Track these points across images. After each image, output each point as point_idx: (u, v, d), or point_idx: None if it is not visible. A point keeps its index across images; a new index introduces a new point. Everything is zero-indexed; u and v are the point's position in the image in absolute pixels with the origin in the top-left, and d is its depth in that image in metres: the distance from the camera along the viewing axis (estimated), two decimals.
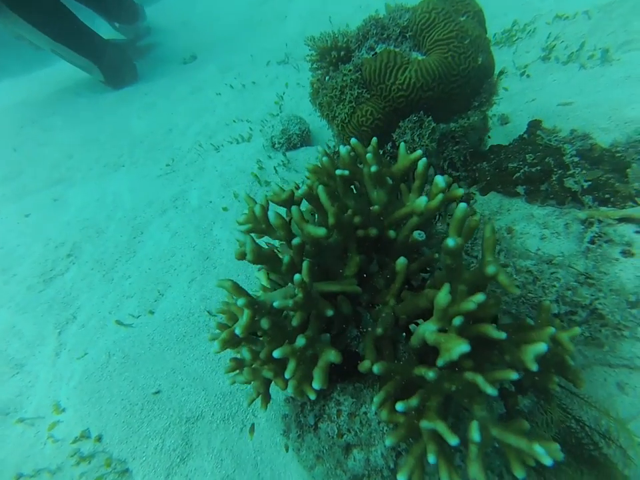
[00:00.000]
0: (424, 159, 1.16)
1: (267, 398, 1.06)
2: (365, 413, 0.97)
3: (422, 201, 1.07)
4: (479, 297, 0.83)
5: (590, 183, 1.55)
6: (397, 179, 1.27)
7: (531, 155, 1.71)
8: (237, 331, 0.90)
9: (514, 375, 0.79)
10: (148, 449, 1.58)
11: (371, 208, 1.16)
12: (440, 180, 1.07)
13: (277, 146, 3.07)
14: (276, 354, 0.88)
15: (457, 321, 0.82)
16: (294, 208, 1.02)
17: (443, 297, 0.84)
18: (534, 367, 0.79)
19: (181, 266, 2.38)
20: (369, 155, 1.16)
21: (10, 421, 1.82)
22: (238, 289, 0.95)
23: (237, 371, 1.08)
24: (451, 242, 0.87)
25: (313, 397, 0.88)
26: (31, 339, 2.18)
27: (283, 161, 2.95)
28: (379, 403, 0.84)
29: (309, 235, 1.00)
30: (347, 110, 1.68)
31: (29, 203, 3.36)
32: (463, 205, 0.93)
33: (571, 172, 1.59)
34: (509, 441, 0.77)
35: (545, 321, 0.96)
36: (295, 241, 0.99)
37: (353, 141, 1.24)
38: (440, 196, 1.06)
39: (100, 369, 1.79)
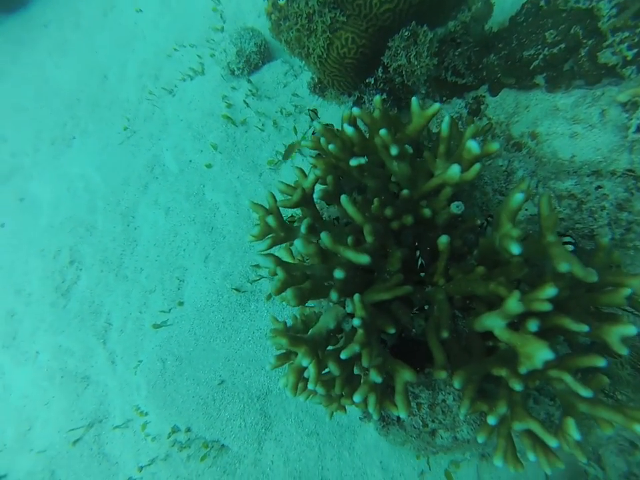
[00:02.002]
0: (447, 118, 0.96)
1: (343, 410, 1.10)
2: (444, 401, 1.02)
3: (455, 171, 0.92)
4: (550, 291, 0.76)
5: (636, 50, 1.28)
6: (414, 141, 1.09)
7: (551, 31, 1.41)
8: (310, 386, 0.88)
9: (601, 362, 0.77)
10: (233, 428, 1.76)
11: (400, 193, 1.01)
12: (474, 146, 0.90)
13: (236, 72, 2.62)
14: (357, 399, 0.88)
15: (533, 326, 0.77)
16: (324, 234, 0.88)
17: (514, 305, 0.78)
18: (624, 351, 0.77)
19: (189, 244, 2.28)
20: (382, 132, 0.96)
21: (108, 428, 2.01)
22: (295, 340, 0.90)
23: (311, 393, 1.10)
24: (515, 249, 0.76)
25: (403, 415, 0.90)
26: (81, 353, 2.25)
27: (250, 90, 2.56)
28: (466, 413, 0.86)
29: (349, 262, 0.89)
30: (321, 43, 1.36)
31: None
32: (519, 196, 0.79)
33: (608, 41, 1.32)
34: (601, 415, 0.80)
35: (608, 267, 0.91)
36: (338, 275, 0.89)
37: (356, 110, 1.03)
38: (477, 166, 0.90)
39: (160, 376, 1.88)
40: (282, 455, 1.72)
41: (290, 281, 0.98)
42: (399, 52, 1.34)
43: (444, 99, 1.62)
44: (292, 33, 1.37)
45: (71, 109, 3.37)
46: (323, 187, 1.09)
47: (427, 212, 1.02)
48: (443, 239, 0.98)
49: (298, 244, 0.88)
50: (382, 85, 1.50)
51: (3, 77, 3.87)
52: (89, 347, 2.25)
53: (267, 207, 1.11)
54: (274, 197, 1.13)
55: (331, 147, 1.01)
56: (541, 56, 1.42)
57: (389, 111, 1.15)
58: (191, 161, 2.55)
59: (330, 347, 1.00)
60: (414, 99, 1.00)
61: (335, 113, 2.18)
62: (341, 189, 1.07)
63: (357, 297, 0.87)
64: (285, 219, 1.09)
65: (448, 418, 1.00)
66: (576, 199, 1.17)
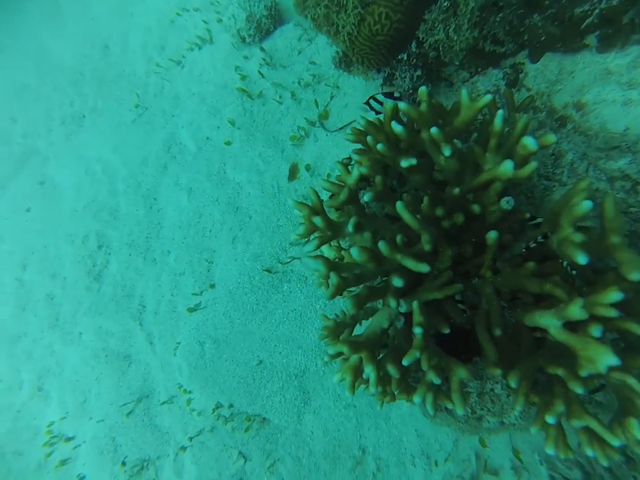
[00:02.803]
0: (500, 112, 0.91)
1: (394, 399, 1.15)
2: (492, 390, 1.06)
3: (508, 167, 0.88)
4: (615, 296, 0.76)
5: None
6: (461, 134, 1.04)
7: None
8: (371, 389, 0.91)
9: None
10: (274, 403, 1.87)
11: (452, 191, 0.99)
12: (531, 142, 0.86)
13: (248, 40, 2.48)
14: (417, 399, 0.91)
15: (596, 331, 0.77)
16: (381, 243, 0.87)
17: (576, 312, 0.78)
18: None
19: (215, 225, 2.29)
20: (434, 131, 0.92)
21: (155, 403, 2.15)
22: (355, 346, 0.92)
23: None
24: (581, 258, 0.75)
25: (460, 412, 0.94)
26: (120, 334, 2.36)
27: (264, 59, 2.43)
28: (521, 409, 0.90)
29: (408, 270, 0.89)
30: (352, 20, 1.26)
31: (17, 193, 3.11)
32: (587, 204, 0.76)
33: None
34: None
35: None
36: (397, 283, 0.88)
37: (402, 105, 0.97)
38: (533, 164, 0.87)
39: (200, 358, 1.97)
40: (321, 426, 1.83)
41: (343, 285, 0.99)
42: (436, 25, 1.24)
43: (479, 69, 1.52)
44: (320, 9, 1.27)
45: (76, 85, 3.26)
46: (370, 188, 1.06)
47: (476, 208, 0.99)
48: (492, 235, 0.96)
49: (354, 253, 0.88)
50: (415, 60, 1.41)
51: (1, 51, 3.73)
52: (127, 329, 2.34)
53: (312, 205, 1.10)
54: (317, 194, 1.11)
55: (379, 146, 0.97)
56: (596, 11, 1.30)
57: (433, 100, 1.09)
58: (208, 138, 2.48)
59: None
60: (464, 90, 0.94)
61: (359, 85, 2.07)
62: (389, 187, 1.05)
63: (415, 304, 0.88)
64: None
65: (496, 406, 1.04)
66: (630, 180, 1.12)
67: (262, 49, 2.44)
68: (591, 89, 1.38)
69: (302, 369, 1.85)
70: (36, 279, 2.75)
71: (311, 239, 1.08)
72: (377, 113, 1.38)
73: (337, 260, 1.32)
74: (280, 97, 2.36)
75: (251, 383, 1.89)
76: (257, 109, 2.39)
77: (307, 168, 2.10)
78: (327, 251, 1.30)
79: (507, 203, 0.96)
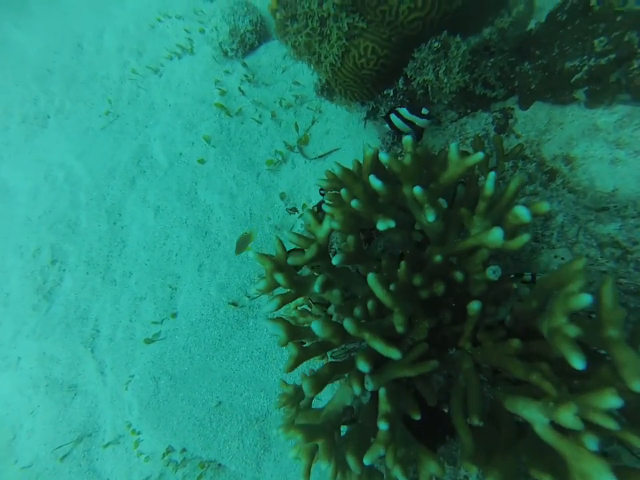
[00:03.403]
0: (492, 175, 0.82)
1: None
2: (467, 478, 0.95)
3: (497, 235, 0.78)
4: (612, 401, 0.66)
5: None
6: (448, 191, 0.95)
7: (602, 38, 1.23)
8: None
9: None
10: (231, 449, 1.71)
11: (433, 258, 0.88)
12: (524, 213, 0.76)
13: (230, 54, 2.36)
14: None
15: (592, 444, 0.66)
16: (347, 322, 0.75)
17: (569, 419, 0.67)
18: None
19: (181, 249, 2.13)
20: (417, 191, 0.82)
21: (98, 442, 1.94)
22: (311, 433, 0.79)
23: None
24: (577, 362, 0.65)
25: None
26: (67, 361, 2.15)
27: (246, 75, 2.32)
28: None
29: (382, 353, 0.77)
30: (335, 51, 1.16)
31: None
32: (586, 298, 0.67)
33: None
34: None
35: None
36: (363, 368, 0.77)
37: (384, 157, 0.87)
38: (524, 237, 0.77)
39: (154, 396, 1.79)
40: (281, 476, 1.68)
41: (304, 357, 0.87)
42: (425, 65, 1.15)
43: (468, 111, 1.45)
44: (301, 37, 1.16)
45: (42, 82, 3.05)
46: (341, 249, 0.95)
47: (459, 276, 0.90)
48: (474, 306, 0.86)
49: (315, 327, 0.76)
50: (401, 97, 1.32)
51: None
52: (76, 355, 2.14)
53: (275, 258, 0.98)
54: (283, 246, 0.99)
55: (354, 203, 0.86)
56: (585, 67, 1.25)
57: (419, 148, 0.99)
58: (181, 154, 2.34)
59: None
60: (453, 145, 0.85)
61: (343, 112, 1.98)
62: (363, 250, 0.94)
63: (382, 392, 0.76)
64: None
65: None
66: (620, 247, 1.06)
67: (244, 65, 2.33)
68: (579, 143, 1.33)
69: (263, 413, 1.70)
70: None
71: (272, 295, 0.96)
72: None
73: (300, 319, 1.20)
74: (260, 116, 2.25)
75: (207, 426, 1.73)
76: (235, 127, 2.27)
77: (282, 197, 1.99)
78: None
79: (493, 272, 0.86)
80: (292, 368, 0.85)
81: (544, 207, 0.80)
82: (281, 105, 2.23)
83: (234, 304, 1.88)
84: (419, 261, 1.00)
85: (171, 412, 1.74)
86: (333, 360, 0.89)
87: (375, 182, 0.88)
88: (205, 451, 1.73)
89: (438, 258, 0.90)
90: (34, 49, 3.24)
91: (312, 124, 2.14)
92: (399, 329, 0.77)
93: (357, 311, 1.01)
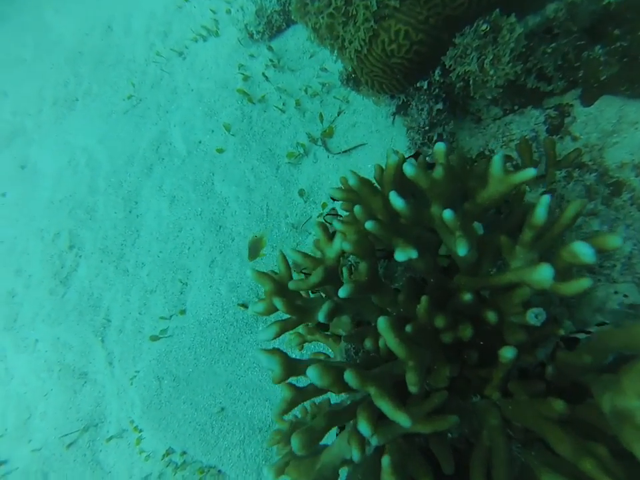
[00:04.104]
0: (546, 199, 0.64)
1: None
2: None
3: (545, 275, 0.60)
4: None
5: None
6: (486, 212, 0.78)
7: None
8: None
9: None
10: (232, 456, 1.62)
11: (462, 297, 0.72)
12: (586, 253, 0.58)
13: (255, 37, 2.21)
14: None
15: None
16: (348, 374, 0.61)
17: None
18: None
19: (194, 243, 2.04)
20: (447, 215, 0.66)
21: (103, 434, 1.92)
22: None
23: None
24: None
25: None
26: (79, 348, 2.13)
27: (271, 60, 2.17)
28: None
29: (388, 417, 0.63)
30: (362, 35, 0.99)
31: None
32: None
33: None
34: None
35: None
36: (365, 432, 0.63)
37: (409, 171, 0.71)
38: (584, 282, 0.59)
39: (156, 396, 1.73)
40: None
41: (299, 399, 0.74)
42: (468, 53, 0.97)
43: (516, 107, 1.24)
44: (322, 18, 1.00)
45: (73, 64, 3.03)
46: (351, 279, 0.80)
47: (491, 317, 0.73)
48: (508, 354, 0.70)
49: (311, 374, 0.62)
50: (437, 90, 1.14)
51: (2, 20, 3.51)
52: (87, 343, 2.12)
53: (276, 278, 0.85)
54: (287, 264, 0.86)
55: (369, 225, 0.70)
56: None
57: (453, 156, 0.82)
58: (200, 142, 2.24)
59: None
60: (497, 157, 0.68)
61: (371, 107, 1.80)
62: (378, 279, 0.78)
63: (386, 461, 0.62)
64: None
65: None
66: None
67: (270, 48, 2.18)
68: None
69: (267, 424, 1.60)
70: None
71: (271, 322, 0.83)
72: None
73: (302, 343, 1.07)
74: (283, 104, 2.10)
75: (209, 432, 1.65)
76: (257, 116, 2.13)
77: (301, 193, 1.84)
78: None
79: (535, 317, 0.69)
80: (284, 413, 0.72)
81: (613, 241, 0.62)
82: (307, 93, 2.07)
83: (244, 305, 1.78)
84: (444, 290, 0.84)
85: (173, 414, 1.68)
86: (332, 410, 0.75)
87: (397, 201, 0.72)
88: (205, 456, 1.66)
89: (467, 297, 0.74)
90: (69, 32, 3.23)
91: (338, 115, 1.97)
92: (412, 388, 0.62)
93: (368, 343, 0.86)
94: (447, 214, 0.66)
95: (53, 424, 2.03)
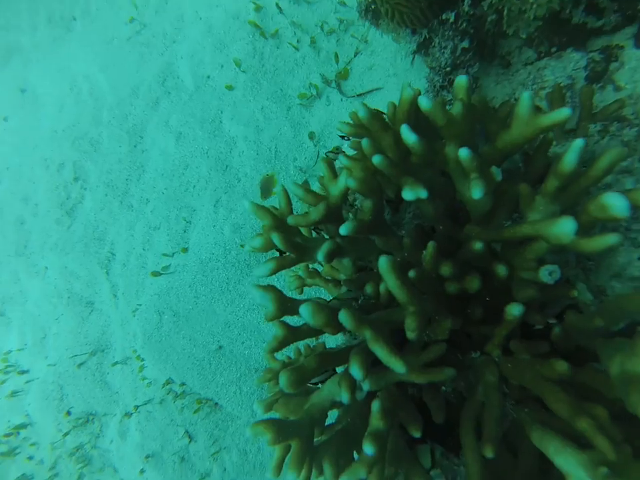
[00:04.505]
0: (579, 143, 0.58)
1: None
2: None
3: (566, 228, 0.56)
4: None
5: None
6: (504, 159, 0.72)
7: None
8: None
9: None
10: (228, 392, 1.70)
11: (472, 246, 0.69)
12: (619, 204, 0.53)
13: None
14: None
15: None
16: (343, 314, 0.59)
17: None
18: None
19: (199, 182, 2.00)
20: (464, 154, 0.60)
21: (109, 359, 2.02)
22: (285, 432, 0.68)
23: None
24: None
25: None
26: (86, 278, 2.18)
27: None
28: None
29: (382, 361, 0.62)
30: None
31: None
32: None
33: None
34: None
35: None
36: (365, 387, 0.62)
37: (425, 105, 0.64)
38: (611, 238, 0.54)
39: (156, 329, 1.78)
40: None
41: (291, 338, 0.74)
42: None
43: (553, 50, 1.13)
44: None
45: None
46: (354, 217, 0.76)
47: (501, 271, 0.70)
48: (514, 311, 0.68)
49: (304, 312, 0.61)
50: (465, 25, 1.03)
51: None
52: (93, 274, 2.16)
53: (276, 213, 0.81)
54: (288, 199, 0.83)
55: (376, 159, 0.65)
56: None
57: (475, 96, 0.75)
58: (209, 77, 2.12)
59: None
60: (525, 95, 0.61)
61: (390, 47, 1.66)
62: (382, 219, 0.74)
63: (376, 406, 0.62)
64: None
65: None
66: None
67: None
68: None
69: (264, 365, 1.66)
70: (7, 198, 2.55)
71: (267, 258, 0.81)
72: None
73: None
74: (297, 41, 1.95)
75: (206, 367, 1.72)
76: (269, 52, 1.99)
77: (311, 136, 1.76)
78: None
79: (549, 274, 0.66)
80: (275, 350, 0.72)
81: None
82: (322, 30, 1.92)
83: (244, 247, 1.77)
84: (452, 240, 0.81)
85: (172, 347, 1.74)
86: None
87: (409, 135, 0.66)
88: (202, 390, 1.74)
89: (478, 246, 0.70)
90: None
91: (354, 56, 1.84)
92: (410, 334, 0.60)
93: (369, 288, 0.85)
94: (464, 152, 0.61)
95: (64, 345, 2.14)
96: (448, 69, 1.11)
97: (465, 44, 1.06)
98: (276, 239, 0.75)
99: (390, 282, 0.59)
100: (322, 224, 0.78)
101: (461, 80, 0.68)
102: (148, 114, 2.20)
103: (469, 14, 1.00)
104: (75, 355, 2.04)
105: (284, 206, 0.83)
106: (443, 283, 0.73)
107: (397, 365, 0.55)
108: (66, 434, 1.97)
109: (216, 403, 1.76)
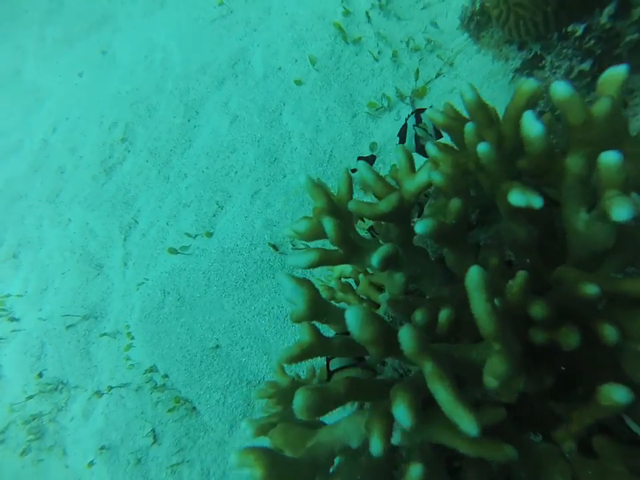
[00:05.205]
0: None
1: None
2: None
3: None
4: None
5: None
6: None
7: None
8: None
9: None
10: (211, 399, 1.52)
11: (580, 289, 0.51)
12: None
13: None
14: None
15: None
16: (404, 333, 0.42)
17: None
18: None
19: (243, 168, 1.90)
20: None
21: (99, 329, 1.89)
22: (280, 474, 0.50)
23: None
24: None
25: None
26: (102, 239, 2.10)
27: (380, 0, 1.93)
28: None
29: (445, 412, 0.44)
30: None
31: (80, 53, 2.87)
32: None
33: None
34: None
35: None
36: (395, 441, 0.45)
37: (562, 90, 0.49)
38: None
39: (156, 309, 1.65)
40: None
41: (317, 351, 0.57)
42: None
43: None
44: None
45: None
46: (434, 213, 0.60)
47: (610, 334, 0.50)
48: (618, 395, 0.47)
49: (350, 318, 0.44)
50: (592, 42, 0.87)
51: None
52: (111, 237, 2.07)
53: (333, 196, 0.67)
54: (350, 185, 0.68)
55: (483, 148, 0.50)
56: None
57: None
58: (280, 68, 2.06)
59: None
60: None
61: (481, 71, 1.54)
62: (466, 228, 0.58)
63: (416, 470, 0.43)
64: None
65: None
66: None
67: None
68: None
69: (258, 379, 1.47)
70: (57, 147, 2.55)
71: (309, 247, 0.66)
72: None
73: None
74: (379, 52, 1.87)
75: (196, 364, 1.55)
76: (347, 56, 1.92)
77: (372, 147, 1.64)
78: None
79: None
80: (292, 361, 0.56)
81: None
82: (407, 46, 1.82)
83: (274, 247, 1.63)
84: (539, 279, 0.63)
85: (167, 333, 1.59)
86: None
87: (533, 124, 0.50)
88: (184, 388, 1.57)
89: (591, 290, 0.51)
90: None
91: (435, 77, 1.72)
92: (491, 382, 0.42)
93: (419, 316, 0.67)
94: (611, 156, 0.44)
95: (61, 302, 2.03)
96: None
97: (585, 66, 0.91)
98: (328, 225, 0.59)
99: (477, 303, 0.41)
100: (389, 219, 0.62)
101: (617, 71, 0.52)
102: (210, 91, 2.16)
103: (601, 28, 0.86)
104: (67, 315, 1.92)
105: (344, 191, 0.68)
106: (527, 328, 0.54)
107: (465, 421, 0.37)
108: (30, 397, 1.82)
109: (194, 407, 1.57)
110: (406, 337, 0.40)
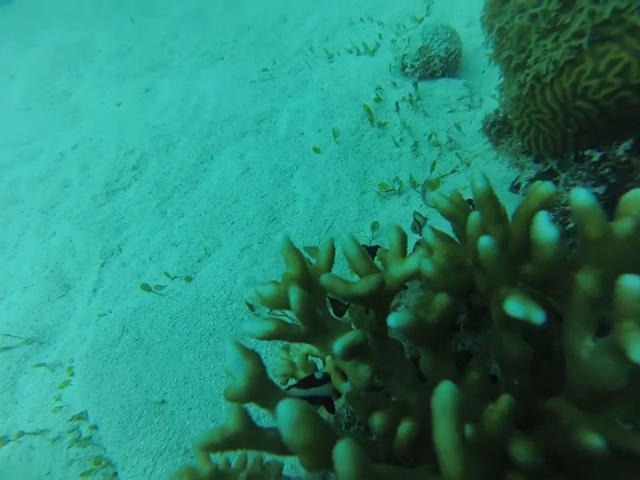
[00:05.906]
0: None
1: None
2: None
3: None
4: None
5: None
6: None
7: None
8: None
9: None
10: (138, 466, 1.29)
11: (580, 439, 0.40)
12: None
13: (408, 70, 2.11)
14: None
15: None
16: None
17: None
18: None
19: (240, 220, 1.86)
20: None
21: (40, 357, 1.69)
22: None
23: None
24: None
25: None
26: (80, 260, 1.99)
27: (411, 95, 2.03)
28: None
29: None
30: (559, 54, 0.75)
31: (127, 88, 3.04)
32: None
33: None
34: None
35: None
36: None
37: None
38: None
39: (109, 346, 1.48)
40: None
41: (242, 441, 0.45)
42: None
43: None
44: (520, 18, 0.78)
45: (237, 34, 3.22)
46: (410, 307, 0.52)
47: None
48: None
49: (283, 411, 0.33)
50: (607, 170, 0.85)
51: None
52: (89, 260, 1.96)
53: (308, 265, 0.59)
54: (331, 253, 0.60)
55: (485, 242, 0.42)
56: None
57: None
58: (302, 133, 2.12)
59: None
60: None
61: (495, 175, 1.54)
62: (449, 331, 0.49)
63: None
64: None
65: None
66: None
67: (415, 85, 2.05)
68: None
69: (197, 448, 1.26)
70: (71, 161, 2.56)
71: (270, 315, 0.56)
72: None
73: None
74: (401, 140, 1.92)
75: (133, 419, 1.34)
76: (369, 137, 1.97)
77: (374, 226, 1.59)
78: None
79: None
80: (212, 448, 0.44)
81: None
82: (429, 140, 1.88)
83: (251, 307, 1.51)
84: (527, 409, 0.51)
85: (111, 376, 1.40)
86: None
87: (547, 228, 0.43)
88: (111, 446, 1.34)
89: (595, 442, 0.40)
90: (252, 13, 3.47)
91: (451, 172, 1.74)
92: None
93: (377, 421, 0.54)
94: (635, 281, 0.36)
95: (9, 318, 1.85)
96: (567, 207, 0.91)
97: (599, 190, 0.87)
98: (294, 296, 0.51)
99: (442, 431, 0.30)
100: (364, 303, 0.53)
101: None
102: (230, 141, 2.21)
103: (620, 160, 0.83)
104: (8, 335, 1.74)
105: (323, 261, 0.60)
106: (505, 472, 0.42)
107: None
108: None
109: (115, 474, 1.33)
110: (342, 456, 0.28)
